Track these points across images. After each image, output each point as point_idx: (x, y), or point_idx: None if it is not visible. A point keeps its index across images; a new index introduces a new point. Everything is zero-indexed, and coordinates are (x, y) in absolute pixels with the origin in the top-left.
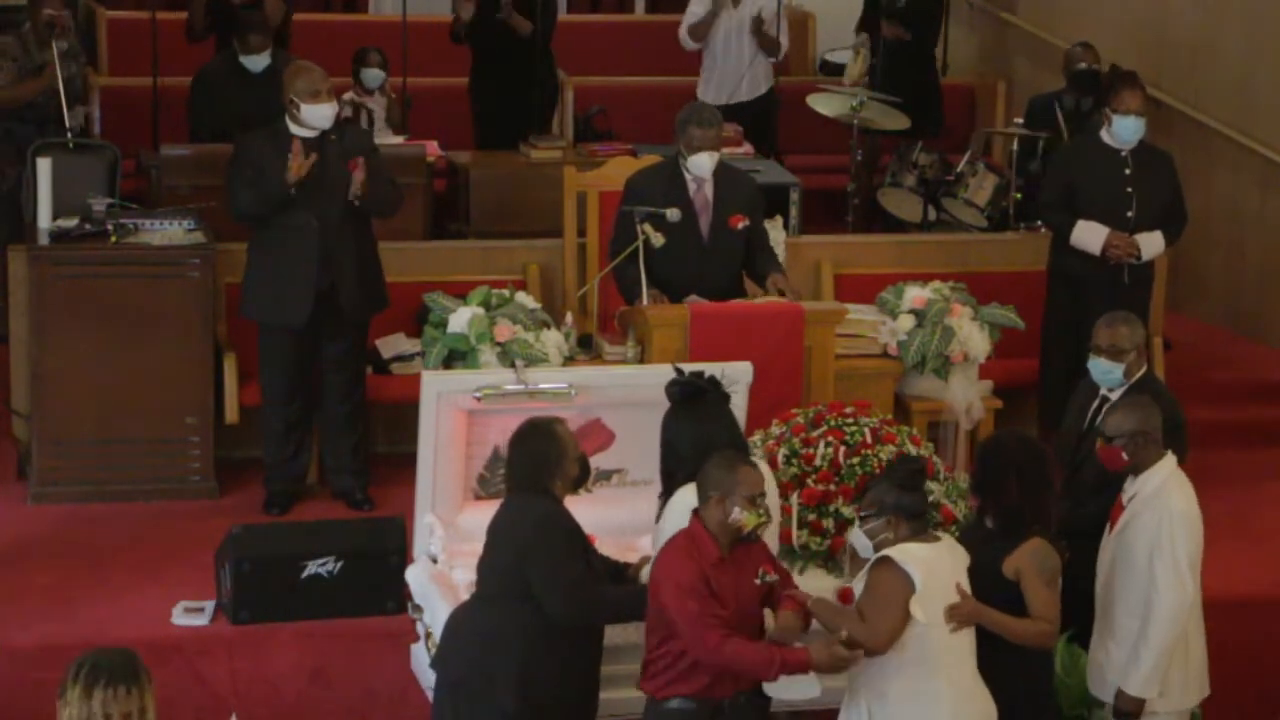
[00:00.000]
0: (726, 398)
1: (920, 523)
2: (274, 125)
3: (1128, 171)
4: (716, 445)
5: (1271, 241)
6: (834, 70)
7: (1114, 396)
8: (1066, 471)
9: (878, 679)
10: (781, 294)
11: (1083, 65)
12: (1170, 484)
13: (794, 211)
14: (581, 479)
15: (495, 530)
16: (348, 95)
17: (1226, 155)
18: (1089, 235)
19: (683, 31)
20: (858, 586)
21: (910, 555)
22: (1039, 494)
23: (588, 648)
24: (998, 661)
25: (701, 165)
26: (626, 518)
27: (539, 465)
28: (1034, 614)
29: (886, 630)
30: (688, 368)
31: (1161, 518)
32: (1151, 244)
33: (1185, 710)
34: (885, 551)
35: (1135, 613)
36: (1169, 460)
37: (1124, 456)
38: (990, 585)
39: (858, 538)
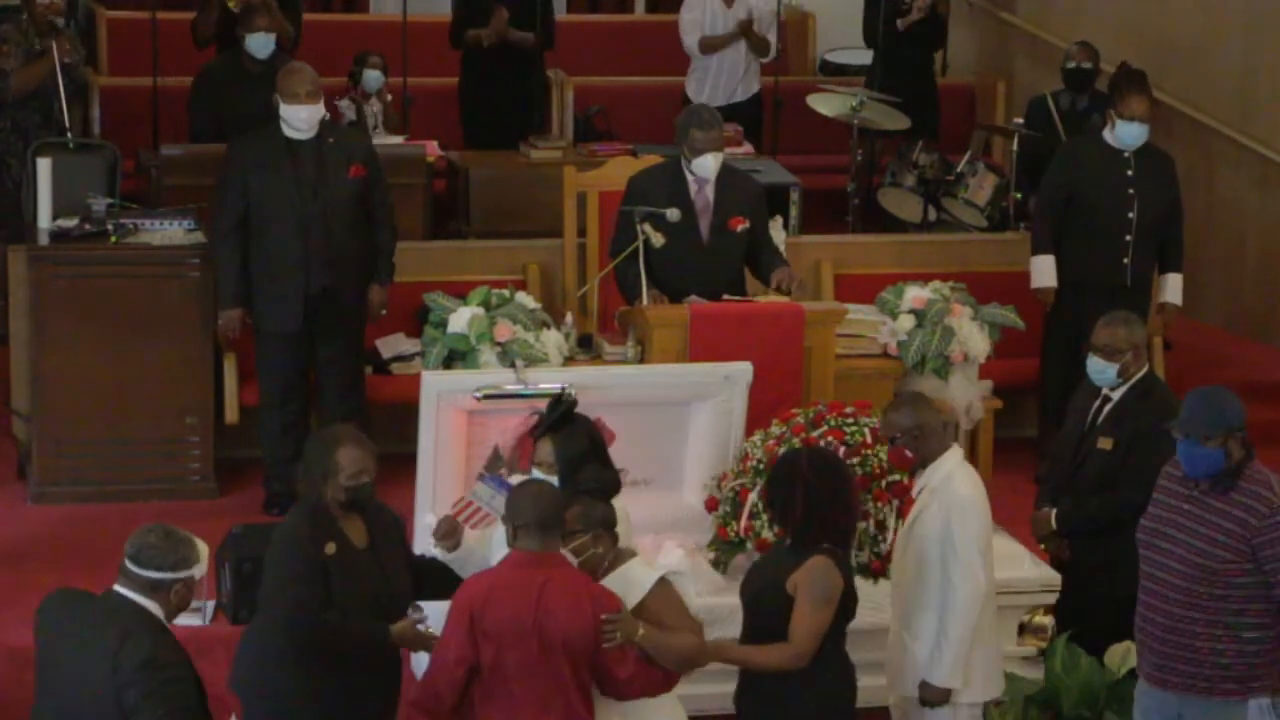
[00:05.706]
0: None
1: (614, 535)
2: (268, 128)
3: (1130, 173)
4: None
5: (1271, 241)
6: (834, 70)
7: (1115, 396)
8: (1067, 471)
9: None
10: (779, 289)
11: (1072, 64)
12: (956, 473)
13: (794, 211)
14: (347, 505)
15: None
16: (344, 100)
17: (1226, 155)
18: (1039, 268)
19: (691, 42)
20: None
21: (675, 575)
22: (827, 510)
23: (346, 671)
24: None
25: (706, 167)
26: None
27: (308, 473)
28: (790, 634)
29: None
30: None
31: (949, 507)
32: (1176, 288)
33: (987, 701)
34: (662, 573)
35: (931, 604)
36: (955, 451)
37: (908, 454)
38: (775, 600)
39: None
